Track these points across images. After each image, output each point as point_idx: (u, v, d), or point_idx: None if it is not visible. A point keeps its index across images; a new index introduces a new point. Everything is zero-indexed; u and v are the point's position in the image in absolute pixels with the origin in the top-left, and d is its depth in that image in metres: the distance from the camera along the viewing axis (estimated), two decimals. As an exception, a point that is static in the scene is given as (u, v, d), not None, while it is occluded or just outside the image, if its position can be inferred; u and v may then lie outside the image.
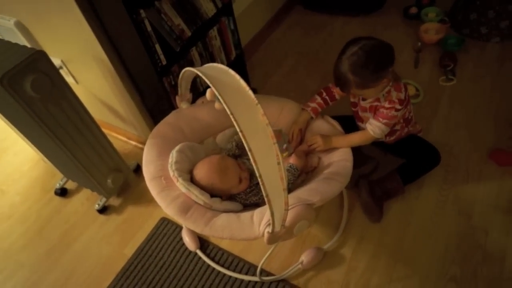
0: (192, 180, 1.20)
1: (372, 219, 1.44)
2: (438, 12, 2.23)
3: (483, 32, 2.04)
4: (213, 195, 1.18)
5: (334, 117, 1.44)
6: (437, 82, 1.92)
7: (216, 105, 1.11)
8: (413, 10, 2.30)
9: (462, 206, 1.45)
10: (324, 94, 1.45)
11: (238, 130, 0.77)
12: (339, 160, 1.25)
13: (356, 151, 1.37)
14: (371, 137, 1.32)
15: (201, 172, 1.21)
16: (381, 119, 1.29)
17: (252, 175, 1.25)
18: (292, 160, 1.25)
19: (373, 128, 1.30)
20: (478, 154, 1.59)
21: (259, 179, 0.78)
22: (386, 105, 1.27)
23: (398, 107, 1.26)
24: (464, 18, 2.09)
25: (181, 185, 1.14)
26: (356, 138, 1.32)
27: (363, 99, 1.37)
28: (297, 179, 1.26)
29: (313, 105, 1.42)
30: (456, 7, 2.17)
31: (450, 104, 1.82)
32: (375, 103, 1.33)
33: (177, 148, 1.24)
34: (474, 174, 1.53)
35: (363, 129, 1.47)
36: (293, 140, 1.39)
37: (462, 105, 1.79)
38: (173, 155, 1.21)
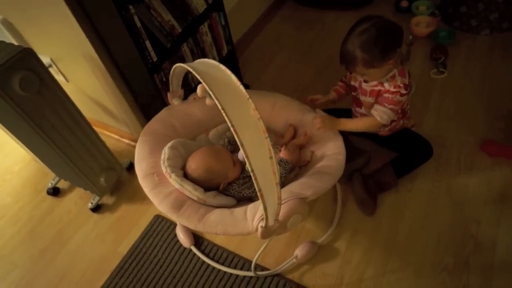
0: (185, 176, 1.19)
1: (366, 212, 1.44)
2: (428, 5, 2.24)
3: (473, 24, 2.06)
4: (207, 189, 1.18)
5: (331, 110, 1.45)
6: (428, 75, 1.93)
7: (207, 101, 1.10)
8: (404, 3, 2.30)
9: (454, 197, 1.46)
10: (344, 78, 1.52)
11: (229, 125, 0.76)
12: (331, 153, 1.25)
13: (349, 145, 1.37)
14: (377, 123, 1.33)
15: (196, 162, 1.20)
16: (386, 105, 1.29)
17: (244, 167, 1.25)
18: (282, 154, 1.25)
19: (380, 113, 1.31)
20: (470, 146, 1.60)
21: (251, 174, 0.78)
22: (392, 89, 1.28)
23: (403, 91, 1.27)
24: (454, 11, 2.10)
25: (174, 181, 1.13)
26: (362, 123, 1.36)
27: (365, 81, 1.37)
28: (290, 173, 1.26)
29: (334, 87, 1.50)
30: (446, 0, 2.18)
31: (441, 96, 1.83)
32: (378, 87, 1.33)
33: (169, 144, 1.24)
34: (466, 165, 1.55)
35: (360, 114, 1.47)
36: (308, 102, 1.43)
37: (454, 97, 1.81)
38: (165, 152, 1.21)
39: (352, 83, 1.46)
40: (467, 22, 2.06)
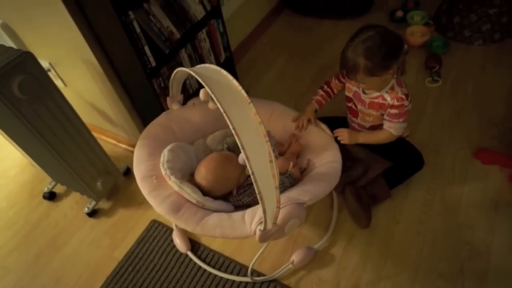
0: (194, 181, 1.20)
1: (361, 225, 1.43)
2: (423, 15, 2.29)
3: (466, 35, 2.10)
4: (215, 195, 1.20)
5: (327, 118, 1.46)
6: (423, 84, 1.96)
7: (210, 105, 1.11)
8: (399, 13, 2.34)
9: (449, 204, 1.48)
10: (325, 87, 1.50)
11: (231, 127, 0.78)
12: (328, 162, 1.27)
13: (346, 154, 1.39)
14: (393, 136, 1.37)
15: (210, 171, 1.20)
16: (398, 120, 1.32)
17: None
18: (291, 169, 1.27)
19: (395, 130, 1.35)
20: (464, 153, 1.63)
21: (251, 176, 0.79)
22: (395, 103, 1.29)
23: (407, 103, 1.30)
24: (448, 21, 2.14)
25: (173, 183, 1.14)
26: (380, 137, 1.39)
27: (364, 93, 1.37)
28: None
29: (316, 97, 1.48)
30: (440, 11, 2.23)
31: (436, 105, 1.85)
32: (378, 100, 1.34)
33: (168, 147, 1.25)
34: (460, 173, 1.57)
35: (357, 125, 1.49)
36: (302, 129, 1.40)
37: (448, 106, 1.83)
38: (164, 154, 1.22)
39: (347, 94, 1.46)
40: (461, 32, 2.11)
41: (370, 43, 1.15)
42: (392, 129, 1.35)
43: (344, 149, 1.35)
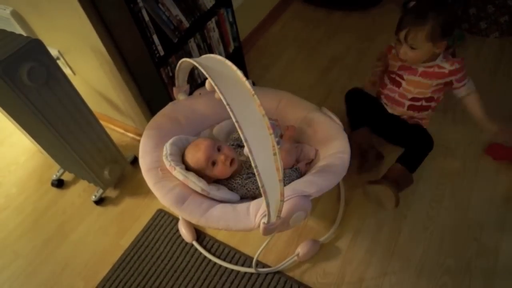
0: (187, 169, 1.20)
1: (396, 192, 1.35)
2: (437, 6, 2.23)
3: (482, 27, 2.04)
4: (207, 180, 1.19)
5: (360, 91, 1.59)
6: (435, 77, 1.92)
7: (217, 95, 1.10)
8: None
9: (458, 200, 1.45)
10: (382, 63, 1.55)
11: (233, 120, 0.76)
12: (335, 152, 1.24)
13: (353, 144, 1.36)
14: (476, 91, 1.42)
15: (187, 153, 1.23)
16: (468, 79, 1.39)
17: (247, 163, 1.25)
18: (300, 165, 1.27)
19: (470, 85, 1.40)
20: (475, 149, 1.59)
21: (254, 170, 0.78)
22: (457, 66, 1.34)
23: (461, 66, 1.36)
24: (464, 13, 2.08)
25: (178, 173, 1.14)
26: (479, 105, 1.43)
27: (410, 70, 1.41)
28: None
29: (377, 70, 1.57)
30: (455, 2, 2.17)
31: (448, 98, 1.80)
32: (434, 69, 1.38)
33: (170, 141, 1.24)
34: (471, 168, 1.54)
35: (399, 94, 1.51)
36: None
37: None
38: (167, 148, 1.21)
39: (391, 65, 1.49)
40: (476, 24, 2.05)
41: (443, 6, 1.22)
42: (470, 89, 1.40)
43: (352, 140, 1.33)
